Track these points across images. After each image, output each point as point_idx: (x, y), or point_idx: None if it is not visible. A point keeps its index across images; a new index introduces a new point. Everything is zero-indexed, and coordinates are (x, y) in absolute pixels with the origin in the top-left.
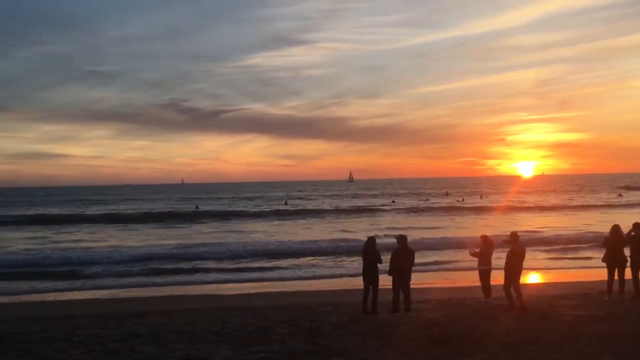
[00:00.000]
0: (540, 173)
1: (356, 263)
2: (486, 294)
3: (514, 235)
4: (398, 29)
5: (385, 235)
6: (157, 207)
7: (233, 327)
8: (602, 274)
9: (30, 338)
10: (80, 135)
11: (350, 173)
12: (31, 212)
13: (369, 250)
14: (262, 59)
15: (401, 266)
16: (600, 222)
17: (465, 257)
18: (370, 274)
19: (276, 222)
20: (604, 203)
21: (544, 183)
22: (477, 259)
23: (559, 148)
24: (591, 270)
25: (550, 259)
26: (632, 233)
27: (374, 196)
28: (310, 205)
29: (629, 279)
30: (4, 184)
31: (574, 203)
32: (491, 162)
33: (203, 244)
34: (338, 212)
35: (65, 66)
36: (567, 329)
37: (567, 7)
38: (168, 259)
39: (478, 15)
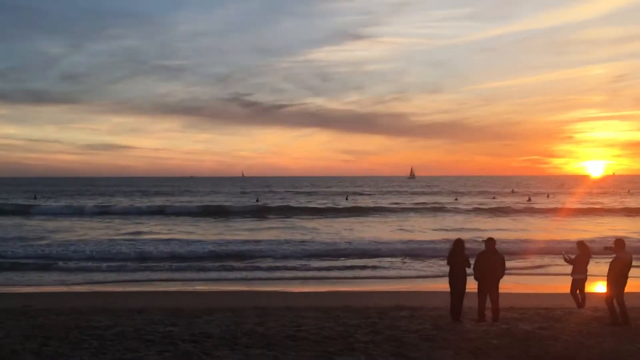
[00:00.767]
0: (610, 173)
1: (422, 264)
2: (580, 305)
3: (620, 242)
4: (463, 22)
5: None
6: (219, 199)
7: (309, 331)
8: None
9: (102, 333)
10: (147, 127)
11: (412, 169)
12: (103, 202)
13: (457, 254)
14: (324, 54)
15: (489, 272)
16: None
17: (544, 262)
18: (458, 279)
19: (339, 219)
20: None
21: (616, 183)
22: (571, 266)
23: (632, 147)
24: None
25: None
26: None
27: (436, 193)
28: (372, 201)
29: None
30: (78, 173)
31: None
32: (557, 161)
33: (269, 241)
34: (402, 210)
35: (136, 60)
36: None
37: None
38: (234, 254)
39: (547, 8)
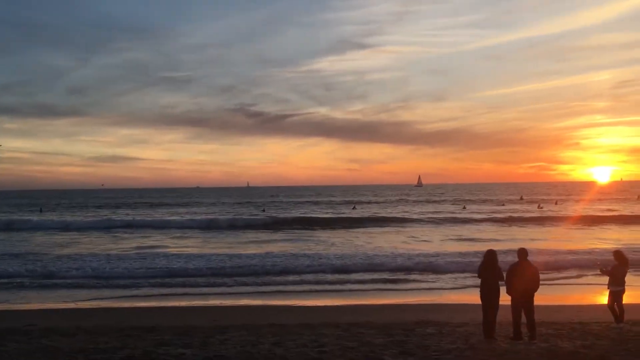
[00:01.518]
0: (618, 179)
1: (442, 277)
2: (618, 319)
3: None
4: (466, 30)
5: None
6: (225, 210)
7: (332, 352)
8: None
9: (110, 357)
10: (154, 139)
11: (419, 177)
12: (109, 215)
13: (489, 266)
14: (327, 63)
15: (523, 285)
16: None
17: (569, 273)
18: (491, 293)
19: (349, 230)
20: None
21: (625, 189)
22: (607, 278)
23: (639, 153)
24: None
25: None
26: None
27: (444, 202)
28: (381, 211)
29: None
30: (83, 186)
31: None
32: (563, 167)
33: (281, 253)
34: (412, 220)
35: (141, 72)
36: None
37: None
38: (246, 268)
39: (550, 15)
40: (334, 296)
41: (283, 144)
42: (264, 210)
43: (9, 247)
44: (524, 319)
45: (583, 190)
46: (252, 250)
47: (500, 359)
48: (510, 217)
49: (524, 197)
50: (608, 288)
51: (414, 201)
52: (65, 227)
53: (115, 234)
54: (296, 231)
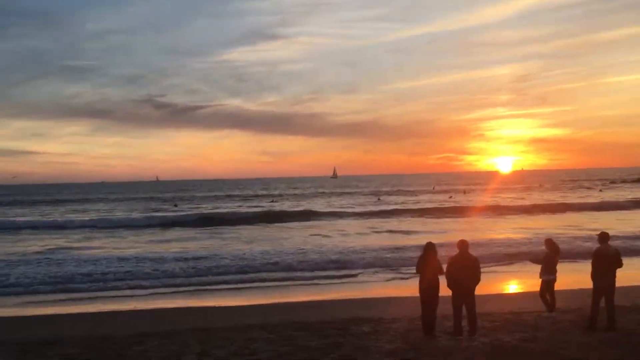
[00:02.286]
0: (519, 168)
1: (357, 270)
2: (549, 307)
3: (604, 235)
4: (377, 23)
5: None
6: (133, 207)
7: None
8: None
9: None
10: (53, 131)
11: (334, 169)
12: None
13: (429, 259)
14: (239, 54)
15: (464, 278)
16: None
17: (494, 263)
18: (430, 288)
19: (269, 225)
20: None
21: (527, 178)
22: (538, 267)
23: (537, 143)
24: None
25: None
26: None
27: (359, 193)
28: (301, 204)
29: None
30: None
31: (579, 200)
32: (469, 158)
33: (200, 253)
34: (333, 214)
35: (39, 61)
36: None
37: (543, 3)
38: (164, 271)
39: (456, 10)
40: (258, 294)
41: (194, 137)
42: (176, 206)
43: None
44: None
45: (489, 180)
46: (164, 248)
47: (447, 357)
48: (426, 208)
49: (436, 187)
50: (540, 277)
51: (331, 193)
52: None
53: (10, 235)
54: (212, 227)
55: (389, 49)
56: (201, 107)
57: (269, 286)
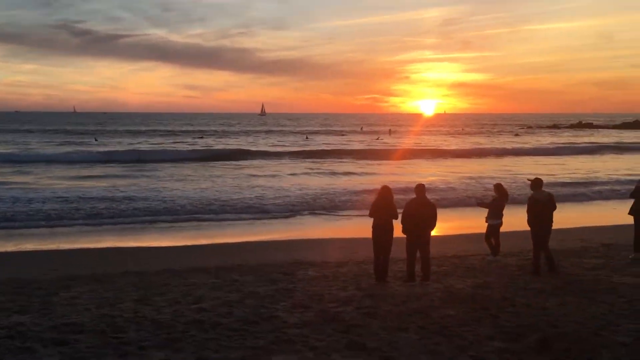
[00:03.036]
0: (442, 112)
1: (291, 212)
2: (494, 251)
3: (538, 181)
4: None
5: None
6: (49, 139)
7: (216, 310)
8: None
9: None
10: None
11: (262, 106)
12: None
13: (384, 204)
14: None
15: (418, 223)
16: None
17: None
18: (385, 233)
19: (204, 164)
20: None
21: (449, 122)
22: (486, 211)
23: (460, 87)
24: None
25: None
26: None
27: (287, 132)
28: (231, 142)
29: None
30: None
31: (502, 145)
32: (395, 100)
33: (127, 191)
34: (266, 154)
35: None
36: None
37: None
38: (90, 208)
39: None
40: (193, 235)
41: (115, 67)
42: (96, 140)
43: None
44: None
45: (413, 122)
46: (90, 185)
47: (405, 308)
48: (362, 150)
49: (364, 128)
50: (486, 221)
51: (259, 131)
52: None
53: None
54: (140, 164)
55: None
56: (123, 36)
57: (203, 226)
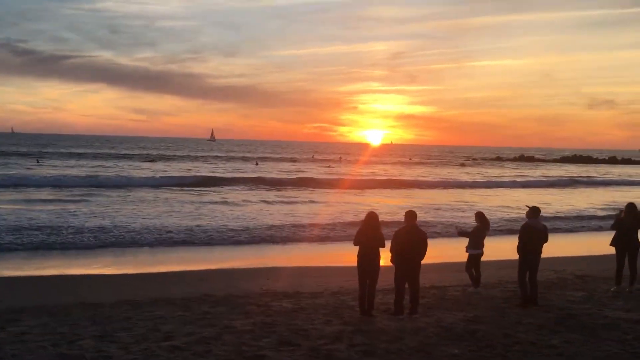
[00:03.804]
0: (389, 142)
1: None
2: (475, 283)
3: (536, 210)
4: None
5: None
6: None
7: (191, 349)
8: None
9: None
10: None
11: (212, 132)
12: None
13: (370, 231)
14: (113, 4)
15: (410, 253)
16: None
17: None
18: (369, 262)
19: (154, 190)
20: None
21: (396, 152)
22: (466, 240)
23: (405, 119)
24: None
25: None
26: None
27: (237, 159)
28: (187, 166)
29: None
30: None
31: (453, 176)
32: (342, 129)
33: (80, 216)
34: (213, 180)
35: None
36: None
37: None
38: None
39: None
40: (152, 262)
41: (59, 88)
42: (38, 162)
43: None
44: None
45: (361, 151)
46: (35, 208)
47: (403, 345)
48: (313, 177)
49: (315, 156)
50: (466, 251)
51: (208, 156)
52: None
53: None
54: (87, 189)
55: (272, 14)
56: (68, 57)
57: (161, 253)
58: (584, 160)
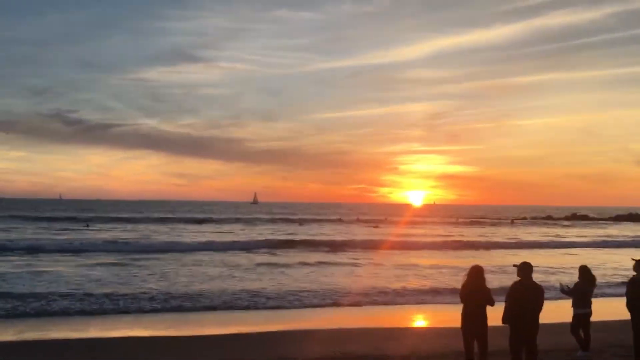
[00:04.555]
0: (431, 202)
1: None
2: (583, 346)
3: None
4: (299, 53)
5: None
6: (40, 225)
7: None
8: None
9: None
10: None
11: (255, 195)
12: None
13: (475, 286)
14: (157, 74)
15: (527, 311)
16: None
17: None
18: (476, 320)
19: (210, 253)
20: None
21: (439, 212)
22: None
23: (446, 179)
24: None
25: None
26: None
27: (287, 221)
28: (227, 228)
29: None
30: None
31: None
32: (383, 190)
33: None
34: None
35: None
36: None
37: (456, 47)
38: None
39: (376, 47)
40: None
41: (105, 155)
42: (87, 226)
43: None
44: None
45: (404, 212)
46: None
47: None
48: (365, 240)
49: (360, 217)
50: (573, 310)
51: (254, 219)
52: None
53: None
54: (143, 254)
55: (310, 79)
56: (114, 126)
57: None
58: (639, 218)
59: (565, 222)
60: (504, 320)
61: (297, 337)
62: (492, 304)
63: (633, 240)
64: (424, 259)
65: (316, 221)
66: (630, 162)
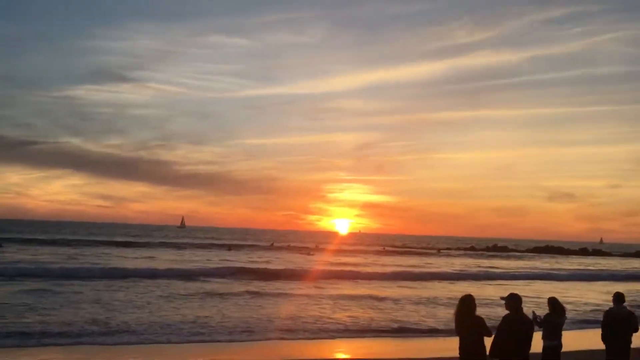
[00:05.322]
0: (357, 230)
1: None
2: None
3: (620, 296)
4: (231, 79)
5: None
6: None
7: None
8: None
9: None
10: None
11: (182, 219)
12: None
13: (468, 317)
14: (85, 92)
15: (517, 346)
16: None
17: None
18: (472, 354)
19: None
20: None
21: (365, 240)
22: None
23: (372, 208)
24: None
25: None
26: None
27: (214, 246)
28: (156, 253)
29: None
30: None
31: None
32: (311, 217)
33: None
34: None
35: None
36: None
37: (386, 80)
38: None
39: (309, 76)
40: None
41: (22, 174)
42: (1, 246)
43: None
44: None
45: (331, 239)
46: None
47: None
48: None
49: (315, 250)
50: (543, 341)
51: (181, 243)
52: None
53: None
54: (55, 279)
55: (241, 105)
56: (34, 143)
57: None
58: (555, 250)
59: (488, 253)
60: (492, 354)
61: None
62: (490, 335)
63: (577, 273)
64: (375, 289)
65: (246, 246)
66: (542, 198)
